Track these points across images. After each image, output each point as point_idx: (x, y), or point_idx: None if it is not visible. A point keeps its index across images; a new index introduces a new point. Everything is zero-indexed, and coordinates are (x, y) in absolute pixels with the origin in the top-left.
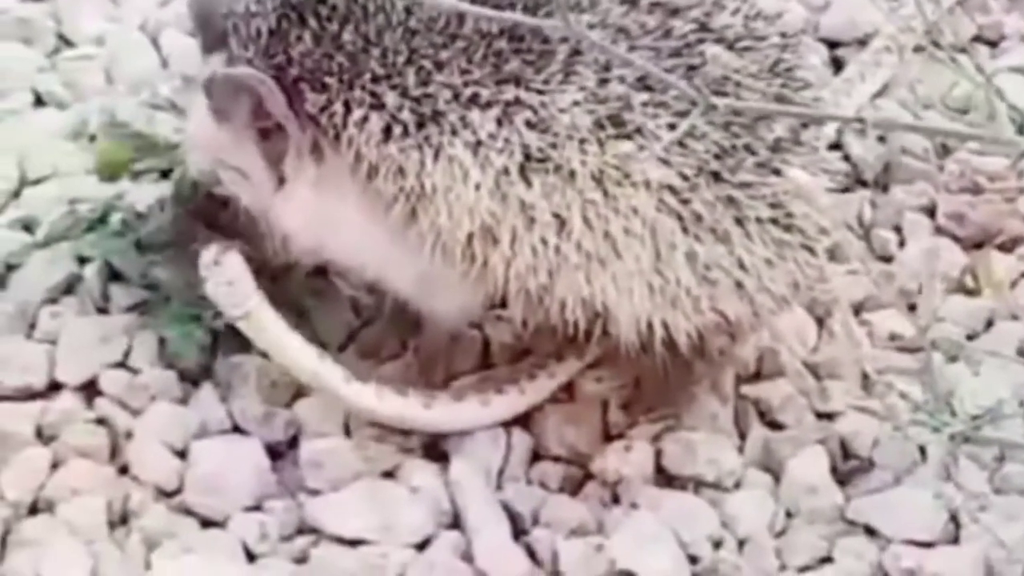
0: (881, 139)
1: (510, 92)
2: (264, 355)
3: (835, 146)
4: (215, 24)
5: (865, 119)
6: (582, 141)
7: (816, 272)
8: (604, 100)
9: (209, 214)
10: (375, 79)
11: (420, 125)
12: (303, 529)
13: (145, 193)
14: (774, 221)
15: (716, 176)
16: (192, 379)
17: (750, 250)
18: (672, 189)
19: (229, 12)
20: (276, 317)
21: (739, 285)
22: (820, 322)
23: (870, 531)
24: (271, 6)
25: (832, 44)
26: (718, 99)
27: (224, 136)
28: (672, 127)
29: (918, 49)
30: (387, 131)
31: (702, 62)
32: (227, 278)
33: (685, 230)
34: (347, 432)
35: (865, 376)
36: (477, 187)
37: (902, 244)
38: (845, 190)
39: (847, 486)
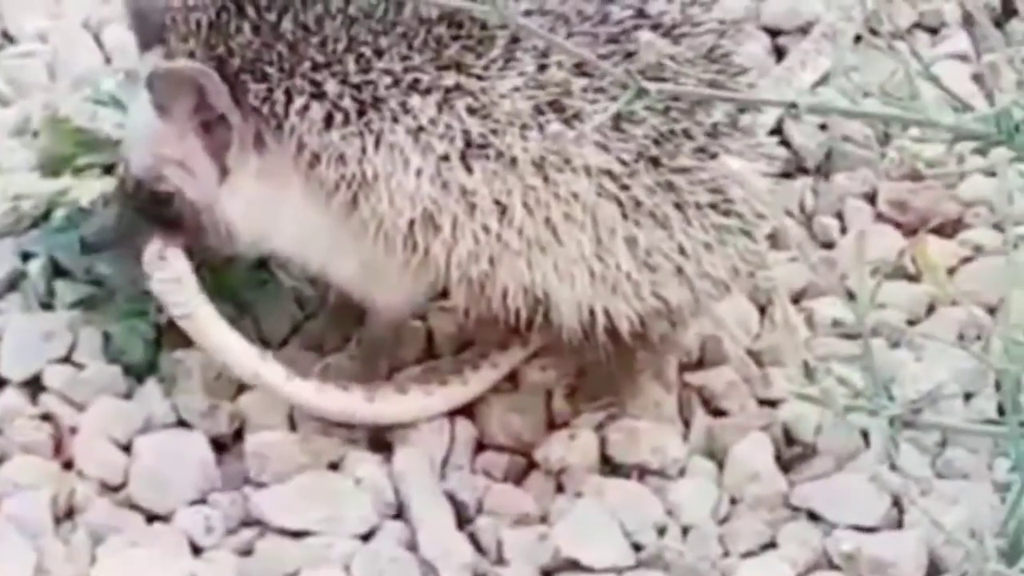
0: (822, 127)
1: (450, 78)
2: None
3: (776, 134)
4: (152, 20)
5: (798, 104)
6: (523, 127)
7: (756, 257)
8: (544, 86)
9: (152, 211)
10: (315, 67)
11: (361, 112)
12: (248, 522)
13: (88, 189)
14: (713, 206)
15: (655, 161)
16: (136, 374)
17: (689, 235)
18: (611, 174)
19: (166, 7)
20: (217, 316)
21: (679, 270)
22: (762, 309)
23: (813, 517)
24: (206, 4)
25: (774, 32)
26: (651, 84)
27: (166, 130)
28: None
29: (858, 38)
30: (328, 119)
31: (639, 48)
32: (170, 276)
33: (625, 216)
34: (292, 425)
35: (807, 363)
36: (418, 173)
37: (843, 231)
38: (787, 177)
39: (790, 472)
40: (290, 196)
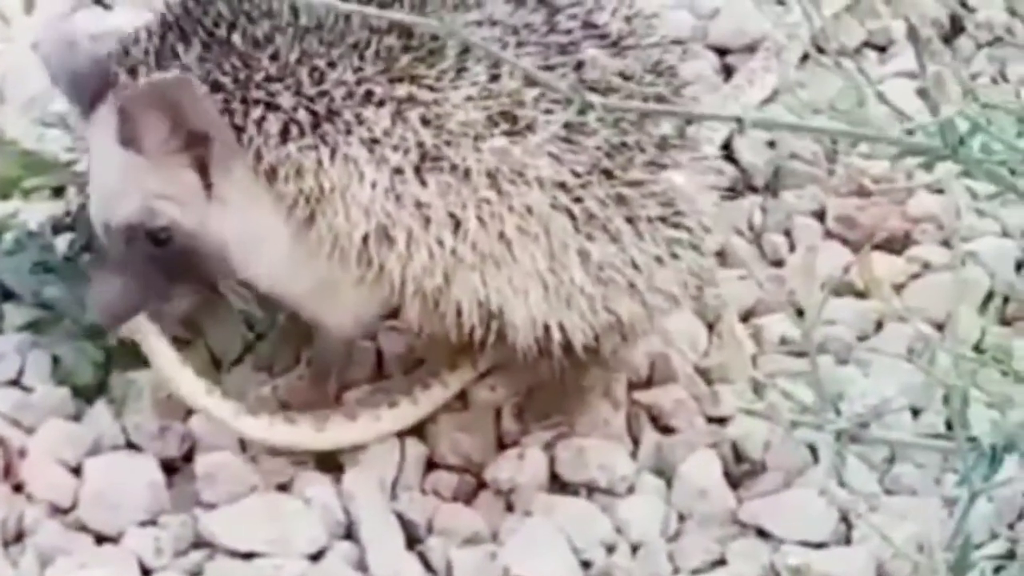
0: (771, 145)
1: (403, 89)
2: None
3: (725, 152)
4: (90, 77)
5: (744, 119)
6: (476, 138)
7: (705, 272)
8: (496, 96)
9: (154, 259)
10: (269, 79)
11: (315, 125)
12: (198, 543)
13: (37, 211)
14: (663, 219)
15: (608, 174)
16: (86, 396)
17: (641, 249)
18: (565, 187)
19: (99, 59)
20: (168, 348)
21: (631, 285)
22: (710, 327)
23: (762, 533)
24: (150, 32)
25: (721, 51)
26: (596, 98)
27: (143, 164)
28: (566, 124)
29: (805, 56)
30: (285, 131)
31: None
32: None
33: (578, 229)
34: (242, 446)
35: (756, 380)
36: (373, 185)
37: (792, 248)
38: (735, 196)
39: (739, 489)
40: (255, 217)
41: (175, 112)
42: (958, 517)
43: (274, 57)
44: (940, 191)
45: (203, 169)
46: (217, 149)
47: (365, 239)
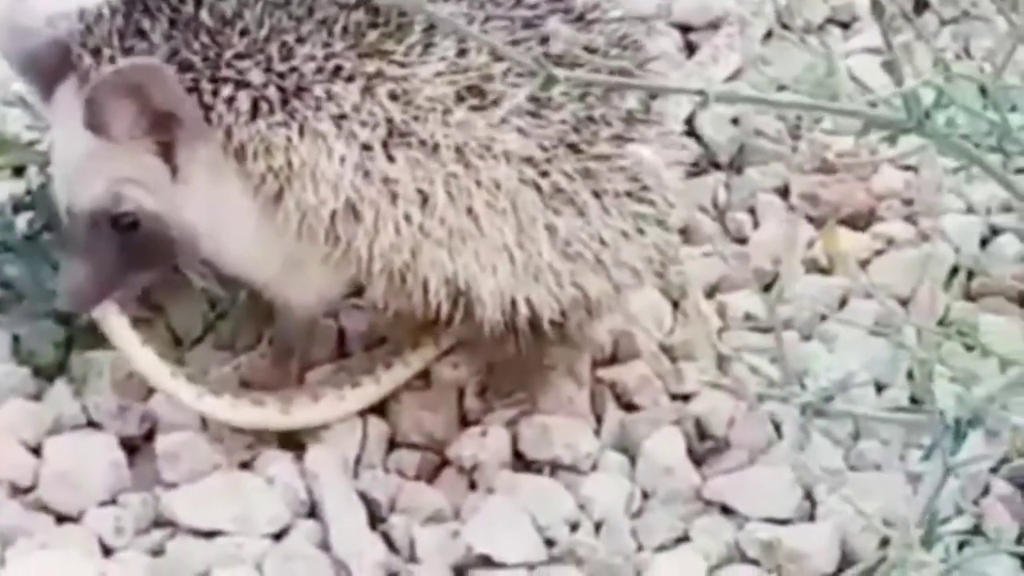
0: (734, 121)
1: (372, 65)
2: None
3: (688, 129)
4: (47, 57)
5: (707, 92)
6: (445, 112)
7: (670, 248)
8: (464, 70)
9: (119, 244)
10: (238, 56)
11: (285, 101)
12: (159, 522)
13: None
14: (629, 194)
15: (574, 148)
16: (46, 375)
17: (607, 224)
18: (532, 161)
19: (58, 38)
20: (130, 330)
21: (598, 259)
22: (675, 304)
23: (726, 510)
24: (114, 10)
25: (685, 29)
26: (560, 71)
27: (109, 149)
28: (533, 98)
29: (769, 33)
30: (255, 108)
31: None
32: None
33: (545, 203)
34: (203, 425)
35: (720, 357)
36: (342, 161)
37: (756, 225)
38: (699, 173)
39: (703, 466)
40: (224, 195)
41: (142, 98)
42: (930, 490)
43: (243, 33)
44: (906, 167)
45: (169, 152)
46: (184, 132)
47: (333, 216)
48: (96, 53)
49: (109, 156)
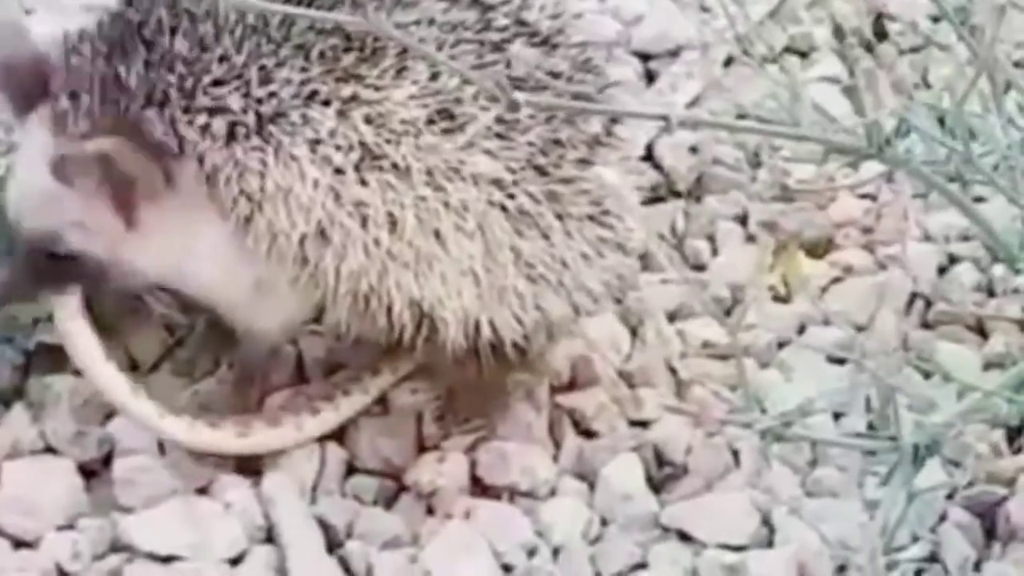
0: (693, 150)
1: (348, 89)
2: (77, 373)
3: (647, 158)
4: (25, 74)
5: (669, 116)
6: (416, 135)
7: (629, 272)
8: (436, 94)
9: (50, 266)
10: (216, 83)
11: (261, 126)
12: (117, 547)
13: None
14: (591, 218)
15: (540, 170)
16: (4, 400)
17: (570, 247)
18: (499, 183)
19: (39, 56)
20: (96, 345)
21: (560, 282)
22: (633, 331)
23: (684, 536)
24: (95, 51)
25: (645, 57)
26: (522, 96)
27: (67, 196)
28: (501, 120)
29: (728, 60)
30: (231, 134)
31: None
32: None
33: (512, 225)
34: (161, 449)
35: (679, 383)
36: (315, 185)
37: (715, 253)
38: (658, 200)
39: (661, 492)
40: (195, 222)
41: (108, 167)
42: (888, 516)
43: (223, 59)
44: (864, 195)
45: (128, 207)
46: (146, 191)
47: (302, 239)
48: (74, 98)
49: (67, 201)
